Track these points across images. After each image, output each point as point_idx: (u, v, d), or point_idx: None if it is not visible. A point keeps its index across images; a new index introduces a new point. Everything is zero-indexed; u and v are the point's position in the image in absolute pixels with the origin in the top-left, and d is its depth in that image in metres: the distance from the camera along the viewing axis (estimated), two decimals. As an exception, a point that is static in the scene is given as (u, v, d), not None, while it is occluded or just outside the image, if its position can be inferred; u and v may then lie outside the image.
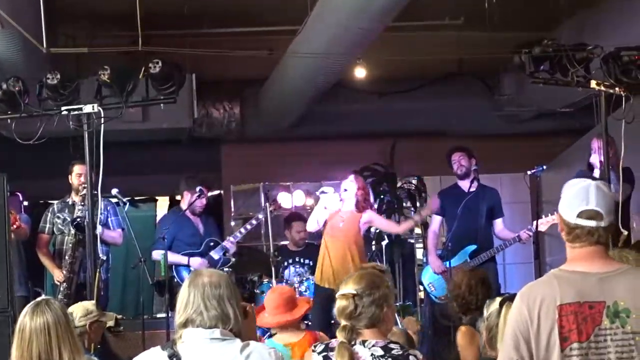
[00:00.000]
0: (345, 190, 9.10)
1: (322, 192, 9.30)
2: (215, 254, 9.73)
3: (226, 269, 9.60)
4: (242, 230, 10.08)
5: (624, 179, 7.91)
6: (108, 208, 9.11)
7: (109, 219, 9.14)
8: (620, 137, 7.57)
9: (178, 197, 12.20)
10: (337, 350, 4.06)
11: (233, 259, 9.93)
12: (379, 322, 4.19)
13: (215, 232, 10.17)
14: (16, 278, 8.46)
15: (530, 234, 9.18)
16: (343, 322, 4.12)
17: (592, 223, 3.52)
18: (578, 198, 3.54)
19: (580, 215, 3.52)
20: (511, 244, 9.40)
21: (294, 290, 6.41)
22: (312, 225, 9.29)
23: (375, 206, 11.44)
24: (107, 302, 8.82)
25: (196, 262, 9.60)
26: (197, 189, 9.79)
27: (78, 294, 8.49)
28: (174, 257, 9.57)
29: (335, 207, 9.14)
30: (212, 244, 9.83)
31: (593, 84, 7.69)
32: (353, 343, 4.08)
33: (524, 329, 3.48)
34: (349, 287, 4.17)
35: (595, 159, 8.49)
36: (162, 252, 9.42)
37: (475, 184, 9.45)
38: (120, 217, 9.22)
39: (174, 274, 9.50)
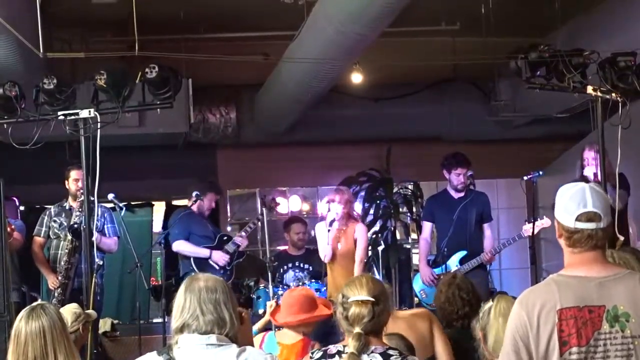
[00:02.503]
0: (337, 213, 9.12)
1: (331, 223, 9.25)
2: (229, 248, 9.80)
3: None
4: (248, 228, 10.12)
5: (619, 186, 7.91)
6: (105, 215, 9.12)
7: (105, 226, 9.13)
8: (617, 142, 7.57)
9: (174, 202, 12.24)
10: None
11: (244, 254, 10.03)
12: (383, 329, 4.17)
13: (219, 230, 10.26)
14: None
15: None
16: (357, 330, 4.07)
17: (591, 225, 3.51)
18: (575, 201, 3.53)
19: (579, 218, 3.52)
20: (501, 249, 9.43)
21: (312, 292, 6.36)
22: (327, 256, 9.18)
23: (372, 211, 11.47)
24: (102, 307, 8.81)
25: (217, 255, 9.70)
26: (194, 194, 9.84)
27: (72, 299, 8.46)
28: (195, 248, 9.66)
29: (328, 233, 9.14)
30: (225, 238, 9.92)
31: (589, 89, 7.68)
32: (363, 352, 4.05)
33: (523, 334, 3.48)
34: (363, 294, 4.14)
35: (590, 171, 8.49)
36: (182, 241, 9.54)
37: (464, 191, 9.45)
38: (117, 221, 9.22)
39: (193, 266, 9.52)
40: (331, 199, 9.22)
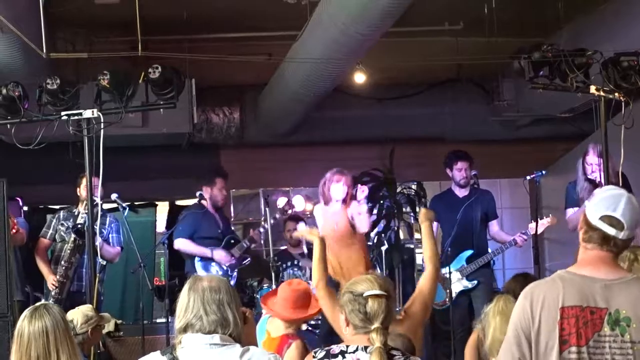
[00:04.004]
0: (340, 194, 8.99)
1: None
2: (235, 252, 9.78)
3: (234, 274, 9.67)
4: (265, 225, 10.05)
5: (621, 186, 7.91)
6: (112, 225, 9.14)
7: (110, 235, 9.15)
8: (620, 142, 7.57)
9: (178, 202, 12.24)
10: (376, 356, 4.01)
11: (250, 259, 10.00)
12: (389, 327, 4.18)
13: (231, 229, 10.22)
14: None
15: (526, 237, 9.19)
16: (376, 325, 4.07)
17: (611, 230, 3.53)
18: (607, 202, 3.56)
19: (602, 218, 3.54)
20: (507, 247, 9.41)
21: (309, 288, 6.37)
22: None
23: (375, 211, 11.45)
24: (100, 310, 8.80)
25: (220, 254, 9.66)
26: (197, 194, 9.82)
27: (69, 300, 8.48)
28: (196, 248, 9.63)
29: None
30: (232, 241, 9.88)
31: (592, 89, 7.68)
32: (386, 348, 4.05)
33: (525, 327, 3.50)
34: (376, 288, 4.14)
35: (595, 176, 8.48)
36: (183, 239, 9.46)
37: (468, 188, 9.46)
38: (120, 222, 9.23)
39: (194, 267, 9.51)
40: (337, 179, 9.07)
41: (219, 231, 9.94)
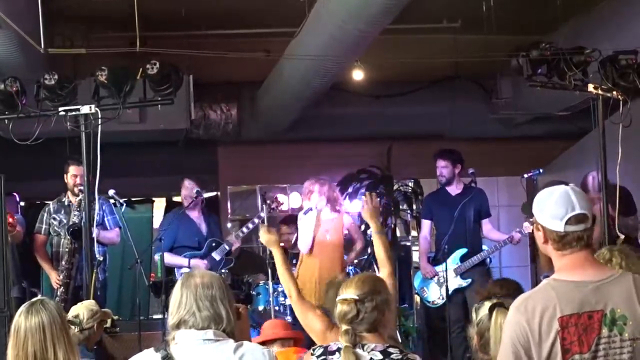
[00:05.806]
0: (313, 199, 9.17)
1: (306, 212, 9.28)
2: (216, 255, 9.76)
3: (224, 271, 9.66)
4: (245, 229, 10.05)
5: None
6: (104, 207, 9.11)
7: (105, 218, 9.13)
8: (618, 141, 7.56)
9: (176, 199, 12.24)
10: (344, 355, 4.05)
11: (234, 260, 9.96)
12: (380, 327, 4.19)
13: (218, 232, 10.21)
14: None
15: (520, 235, 9.19)
16: (344, 327, 4.12)
17: (581, 227, 3.51)
18: (562, 206, 3.52)
19: (569, 221, 3.51)
20: (502, 246, 9.41)
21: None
22: (305, 247, 9.25)
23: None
24: (104, 302, 8.80)
25: (195, 264, 9.62)
26: (195, 190, 9.80)
27: (75, 297, 8.47)
28: (174, 259, 9.63)
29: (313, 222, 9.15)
30: (213, 244, 9.86)
31: (590, 87, 7.68)
32: (356, 347, 4.09)
33: (524, 341, 3.45)
34: (349, 292, 4.17)
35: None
36: (166, 254, 9.48)
37: (461, 186, 9.46)
38: (117, 216, 9.21)
39: (176, 276, 9.51)
40: (310, 190, 9.25)
41: (196, 239, 9.90)
